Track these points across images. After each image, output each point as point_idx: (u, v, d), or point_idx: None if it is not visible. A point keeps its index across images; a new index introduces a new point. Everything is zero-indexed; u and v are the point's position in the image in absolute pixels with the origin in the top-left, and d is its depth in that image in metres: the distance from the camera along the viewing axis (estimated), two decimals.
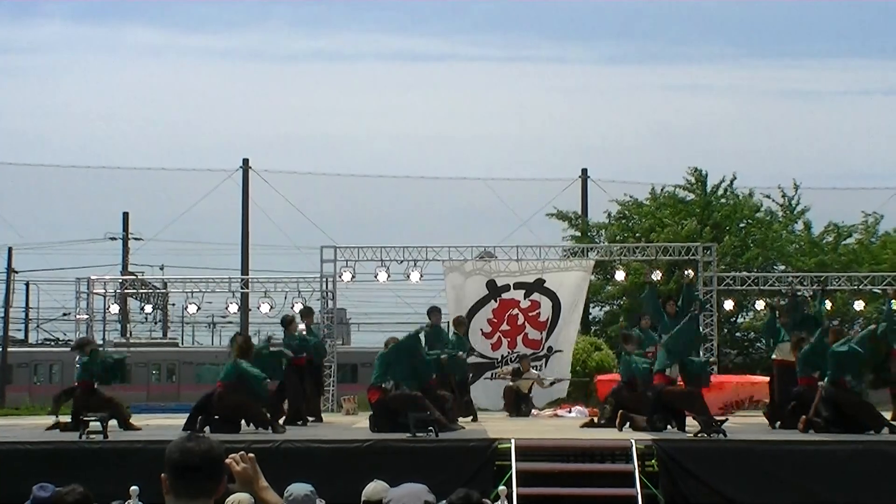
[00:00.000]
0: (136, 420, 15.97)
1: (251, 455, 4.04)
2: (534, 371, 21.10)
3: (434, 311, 18.57)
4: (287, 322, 18.04)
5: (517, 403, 19.81)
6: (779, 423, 15.70)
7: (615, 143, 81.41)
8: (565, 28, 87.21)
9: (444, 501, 5.59)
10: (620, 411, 15.12)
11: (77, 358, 16.98)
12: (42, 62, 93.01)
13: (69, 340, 39.67)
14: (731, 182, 30.80)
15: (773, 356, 17.42)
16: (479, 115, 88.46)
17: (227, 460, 3.84)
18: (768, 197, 31.34)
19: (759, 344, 29.26)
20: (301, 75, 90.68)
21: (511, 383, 20.16)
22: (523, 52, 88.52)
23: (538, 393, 21.27)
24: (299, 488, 5.93)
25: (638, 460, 12.46)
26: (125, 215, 47.81)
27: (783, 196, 31.40)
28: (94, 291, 24.22)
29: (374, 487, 6.26)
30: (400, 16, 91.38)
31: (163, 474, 3.63)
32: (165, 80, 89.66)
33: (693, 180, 30.68)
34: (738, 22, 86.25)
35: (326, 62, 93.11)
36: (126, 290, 26.88)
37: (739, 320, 30.24)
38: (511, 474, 12.12)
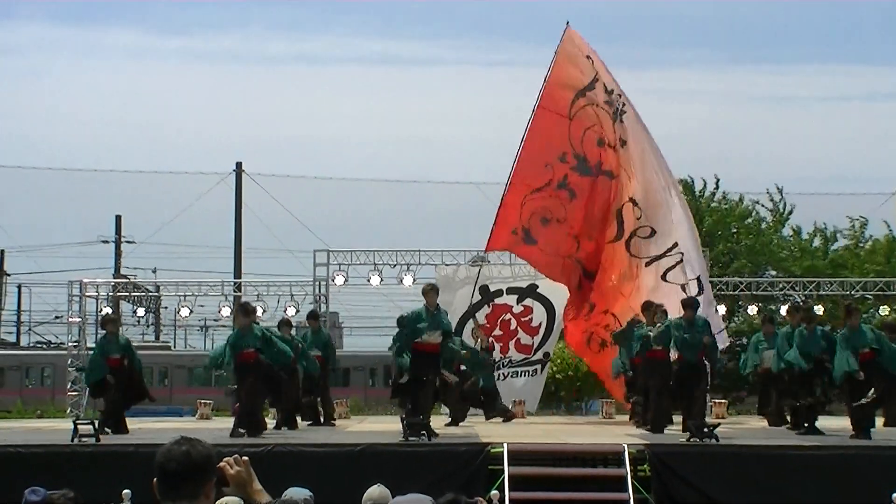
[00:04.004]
0: (128, 423, 15.93)
1: (245, 458, 4.04)
2: None
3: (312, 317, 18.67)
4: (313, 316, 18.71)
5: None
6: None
7: None
8: (545, 33, 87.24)
9: None
10: (633, 399, 15.28)
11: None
12: (22, 64, 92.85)
13: (61, 343, 39.56)
14: (716, 187, 30.85)
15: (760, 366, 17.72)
16: (467, 119, 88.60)
17: (221, 463, 3.84)
18: (758, 202, 31.36)
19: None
20: (282, 78, 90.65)
21: None
22: (505, 55, 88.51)
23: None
24: (297, 493, 5.92)
25: (630, 465, 12.48)
26: (117, 218, 47.77)
27: (771, 200, 31.42)
28: (87, 294, 24.18)
29: (379, 491, 6.14)
30: (376, 20, 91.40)
31: (155, 479, 3.64)
32: (148, 82, 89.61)
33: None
34: (718, 28, 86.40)
35: (306, 65, 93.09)
36: (118, 293, 26.85)
37: (731, 325, 30.21)
38: (503, 478, 12.12)
